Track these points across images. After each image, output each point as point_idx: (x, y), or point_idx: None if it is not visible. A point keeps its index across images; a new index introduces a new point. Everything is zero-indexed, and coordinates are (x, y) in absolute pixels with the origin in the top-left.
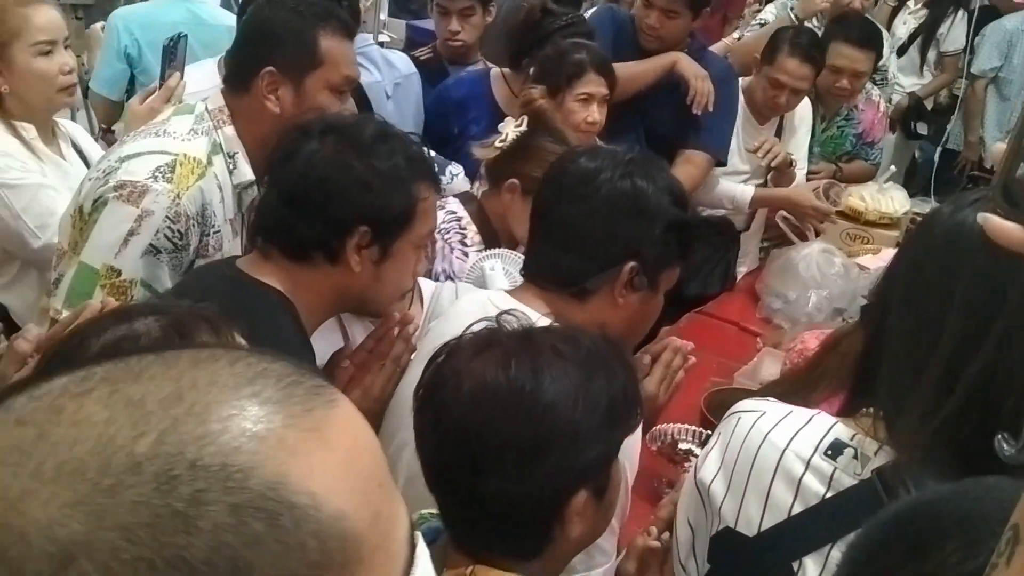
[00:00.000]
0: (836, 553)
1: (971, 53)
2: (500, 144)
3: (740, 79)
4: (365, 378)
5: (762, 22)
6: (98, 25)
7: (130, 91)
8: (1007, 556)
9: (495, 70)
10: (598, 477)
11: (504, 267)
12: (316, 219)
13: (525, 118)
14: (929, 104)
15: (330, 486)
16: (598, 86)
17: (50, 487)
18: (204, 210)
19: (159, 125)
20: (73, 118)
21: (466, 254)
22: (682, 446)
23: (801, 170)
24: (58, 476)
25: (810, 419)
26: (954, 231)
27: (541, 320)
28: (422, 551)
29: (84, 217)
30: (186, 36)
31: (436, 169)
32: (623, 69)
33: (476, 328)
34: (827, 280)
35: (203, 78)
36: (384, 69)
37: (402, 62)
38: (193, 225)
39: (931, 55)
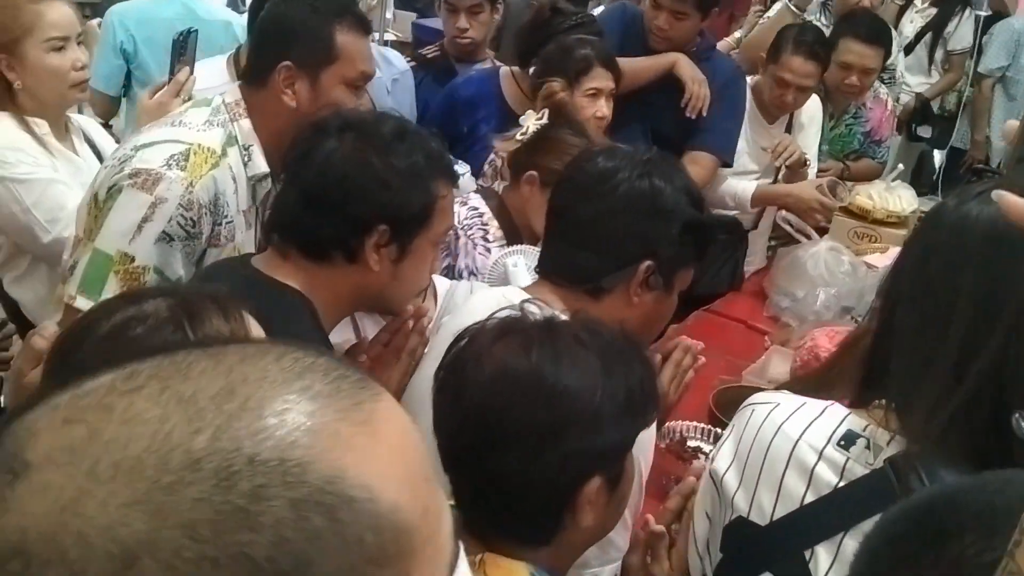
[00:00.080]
0: (849, 541)
1: (978, 52)
2: (521, 137)
3: (748, 78)
4: (381, 372)
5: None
6: (95, 22)
7: (126, 86)
8: None
9: (504, 69)
10: (613, 465)
11: (527, 263)
12: (335, 218)
13: (546, 111)
14: (936, 105)
15: (384, 479)
16: (605, 80)
17: (107, 486)
18: (217, 199)
19: (175, 116)
20: (80, 111)
21: (488, 250)
22: (691, 443)
23: (812, 169)
24: (115, 475)
25: (823, 410)
26: (960, 223)
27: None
28: (459, 545)
29: (99, 204)
30: (196, 31)
31: (454, 165)
32: (623, 64)
33: (499, 315)
34: (835, 278)
35: (212, 76)
36: (383, 66)
37: (397, 59)
38: (206, 214)
39: (938, 54)
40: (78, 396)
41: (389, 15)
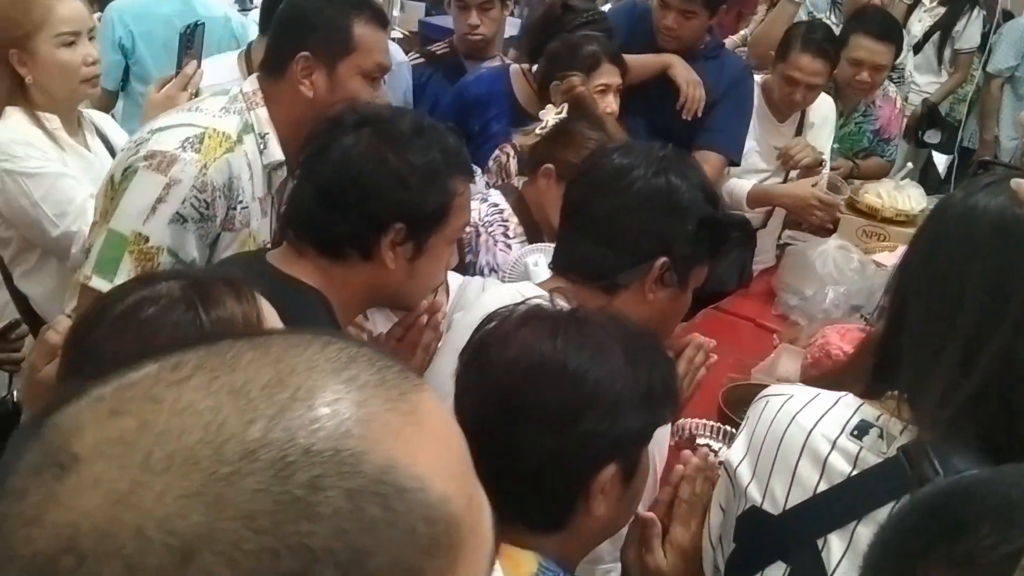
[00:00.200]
0: (862, 530)
1: (987, 52)
2: (540, 131)
3: (758, 76)
4: None
5: None
6: (94, 16)
7: (124, 81)
8: None
9: (514, 66)
10: (629, 454)
11: (547, 262)
12: (350, 216)
13: (565, 105)
14: (945, 107)
15: (433, 470)
16: (613, 76)
17: (163, 478)
18: (231, 183)
19: (192, 103)
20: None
21: (509, 246)
22: (700, 440)
23: (824, 169)
24: (169, 467)
25: (837, 401)
26: (967, 214)
27: None
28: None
29: (115, 186)
30: (203, 24)
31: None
32: None
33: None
34: (844, 277)
35: (223, 72)
36: None
37: (395, 49)
38: (219, 196)
39: (947, 53)
40: (123, 388)
41: (396, 12)
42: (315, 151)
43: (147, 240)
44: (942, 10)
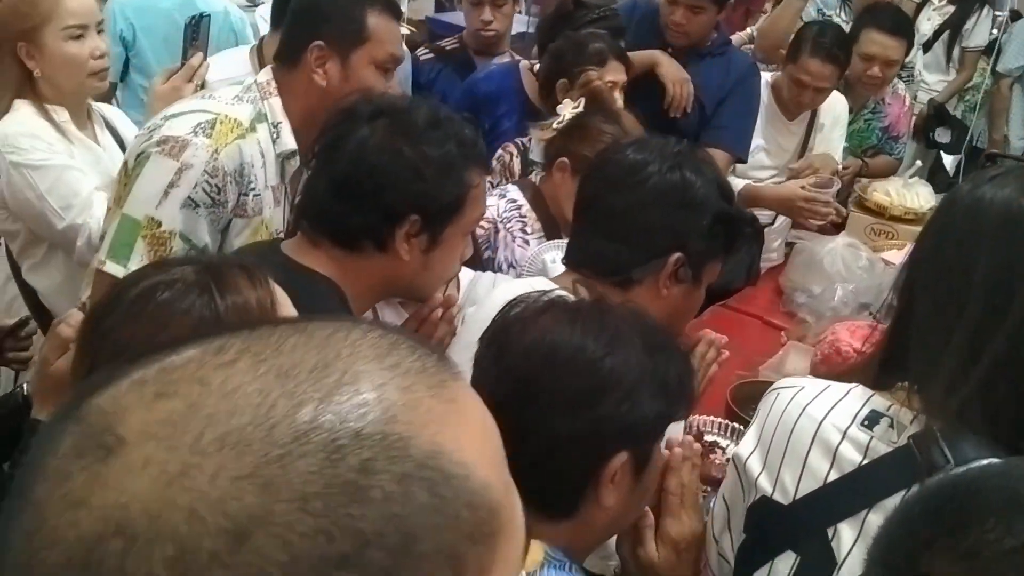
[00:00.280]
0: (872, 518)
1: (996, 51)
2: (558, 126)
3: (767, 73)
4: None
5: None
6: None
7: (123, 73)
8: None
9: (524, 63)
10: (641, 444)
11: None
12: (365, 208)
13: (583, 99)
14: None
15: (475, 456)
16: (619, 73)
17: (215, 459)
18: (243, 169)
19: (206, 92)
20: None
21: (527, 242)
22: (708, 438)
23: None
24: (221, 448)
25: (847, 392)
26: (974, 206)
27: None
28: None
29: (128, 172)
30: (208, 16)
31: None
32: None
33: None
34: (852, 274)
35: (235, 66)
36: None
37: None
38: (231, 182)
39: (956, 52)
40: (167, 370)
41: (404, 8)
42: (330, 142)
43: (159, 224)
44: (951, 8)
